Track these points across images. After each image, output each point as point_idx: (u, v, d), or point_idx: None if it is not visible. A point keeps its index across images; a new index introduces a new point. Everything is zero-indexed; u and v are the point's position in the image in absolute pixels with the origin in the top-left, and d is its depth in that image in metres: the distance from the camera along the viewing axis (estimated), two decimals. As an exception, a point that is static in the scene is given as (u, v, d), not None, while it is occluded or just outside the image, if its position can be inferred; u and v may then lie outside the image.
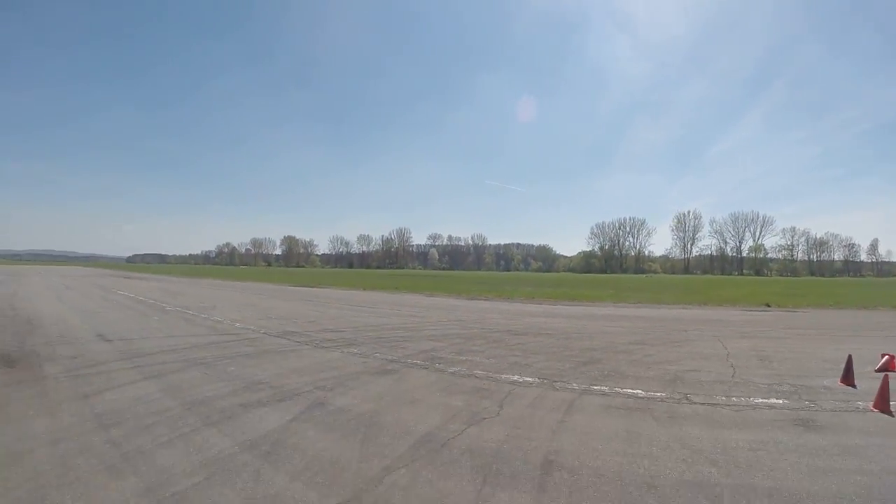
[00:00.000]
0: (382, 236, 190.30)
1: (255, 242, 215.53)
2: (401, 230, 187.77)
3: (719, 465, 3.49)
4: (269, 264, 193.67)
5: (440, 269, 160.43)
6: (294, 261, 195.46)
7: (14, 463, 3.45)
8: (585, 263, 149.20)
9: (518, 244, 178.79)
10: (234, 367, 6.85)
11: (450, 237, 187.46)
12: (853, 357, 6.24)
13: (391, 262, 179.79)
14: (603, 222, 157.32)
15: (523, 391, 5.62)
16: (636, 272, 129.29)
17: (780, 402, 5.18)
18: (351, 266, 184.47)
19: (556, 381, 6.07)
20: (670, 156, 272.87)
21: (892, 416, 4.78)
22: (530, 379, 6.20)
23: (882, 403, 4.92)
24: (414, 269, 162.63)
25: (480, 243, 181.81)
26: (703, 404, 5.10)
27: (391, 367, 6.91)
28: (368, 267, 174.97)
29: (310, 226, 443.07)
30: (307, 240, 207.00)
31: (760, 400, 5.23)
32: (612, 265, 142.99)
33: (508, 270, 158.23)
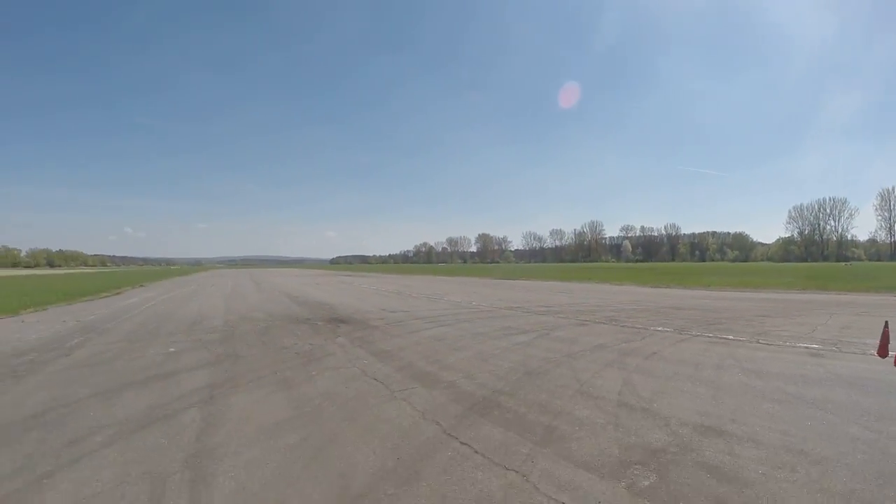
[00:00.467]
0: (575, 230, 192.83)
1: (451, 241, 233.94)
2: (593, 223, 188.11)
3: (740, 362, 7.45)
4: (465, 261, 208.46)
5: (633, 262, 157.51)
6: (489, 257, 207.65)
7: (401, 351, 8.94)
8: (784, 251, 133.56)
9: (713, 232, 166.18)
10: (487, 321, 12.32)
11: (642, 228, 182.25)
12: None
13: (584, 256, 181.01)
14: (801, 205, 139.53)
15: (660, 333, 9.88)
16: (838, 259, 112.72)
17: (815, 346, 8.45)
18: (544, 261, 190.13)
19: (682, 331, 10.21)
20: (871, 124, 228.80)
21: (885, 357, 6.15)
22: (668, 329, 10.47)
23: (882, 350, 6.20)
24: (607, 261, 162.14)
25: (674, 233, 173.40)
26: (762, 343, 8.67)
27: (585, 322, 11.71)
28: (562, 261, 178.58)
29: (502, 223, 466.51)
30: (500, 237, 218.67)
31: (802, 345, 8.61)
32: (813, 252, 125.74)
33: (703, 260, 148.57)
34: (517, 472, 3.57)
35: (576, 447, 4.04)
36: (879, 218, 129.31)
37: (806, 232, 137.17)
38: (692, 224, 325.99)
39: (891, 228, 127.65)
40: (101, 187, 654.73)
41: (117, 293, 25.68)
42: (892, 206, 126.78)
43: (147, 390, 5.96)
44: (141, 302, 19.67)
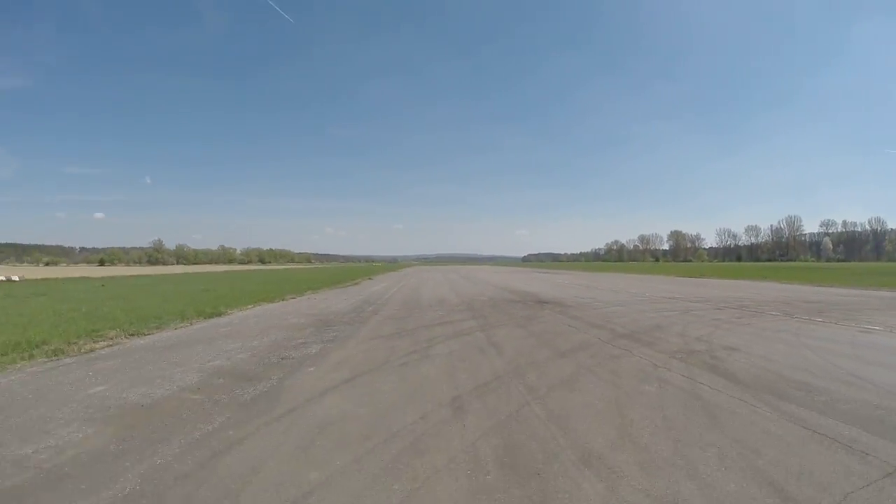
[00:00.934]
0: (771, 226, 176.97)
1: (643, 239, 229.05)
2: (790, 218, 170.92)
3: (801, 331, 11.24)
4: (657, 260, 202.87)
5: (835, 261, 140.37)
6: (681, 255, 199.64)
7: (586, 316, 14.30)
8: None
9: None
10: (649, 304, 17.05)
11: (844, 223, 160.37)
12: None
13: (781, 254, 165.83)
14: None
15: (770, 316, 13.68)
16: None
17: (876, 328, 11.68)
18: (739, 259, 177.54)
19: (789, 315, 13.91)
20: None
21: None
22: (778, 314, 14.21)
23: None
24: (805, 260, 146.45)
25: (879, 228, 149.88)
26: (835, 324, 12.14)
27: (721, 308, 15.80)
28: (757, 259, 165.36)
29: (695, 217, 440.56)
30: (693, 234, 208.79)
31: (867, 327, 11.99)
32: None
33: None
34: (629, 352, 8.81)
35: (658, 348, 9.13)
36: None
37: None
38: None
39: None
40: (305, 193, 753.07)
41: (355, 283, 34.70)
42: None
43: (447, 327, 12.23)
44: (382, 290, 27.59)
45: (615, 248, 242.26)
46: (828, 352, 8.62)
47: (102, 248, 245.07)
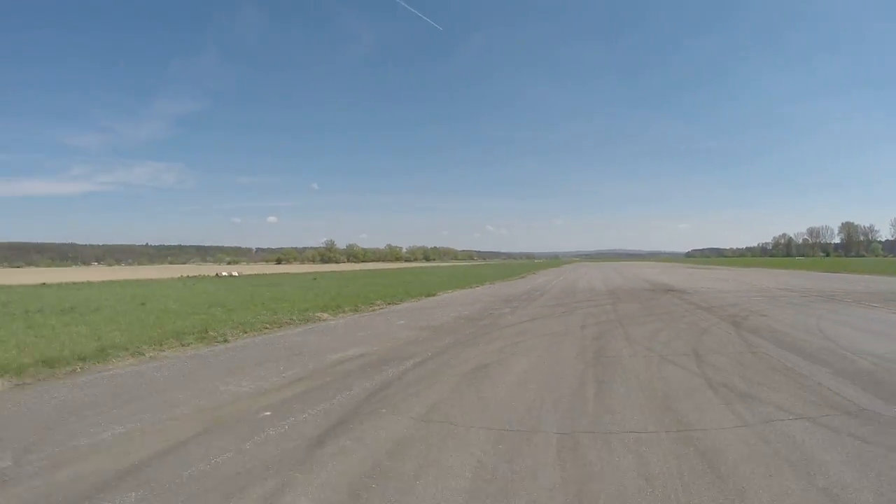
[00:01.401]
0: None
1: (812, 231, 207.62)
2: None
3: (854, 311, 15.64)
4: (828, 254, 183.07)
5: None
6: (853, 249, 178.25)
7: (695, 298, 19.52)
8: None
9: None
10: (752, 293, 21.59)
11: None
12: None
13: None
14: None
15: (842, 302, 17.87)
16: None
17: None
18: None
19: (859, 302, 17.83)
20: None
21: None
22: (850, 300, 18.20)
23: None
24: None
25: None
26: (881, 309, 16.33)
27: (807, 296, 19.87)
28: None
29: (871, 205, 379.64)
30: (867, 226, 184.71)
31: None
32: None
33: None
34: (695, 314, 14.49)
35: (717, 314, 14.77)
36: None
37: None
38: None
39: None
40: (465, 192, 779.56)
41: (521, 277, 41.88)
42: None
43: (590, 302, 18.69)
44: (544, 282, 34.44)
45: (783, 241, 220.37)
46: (821, 318, 13.51)
47: (277, 248, 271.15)
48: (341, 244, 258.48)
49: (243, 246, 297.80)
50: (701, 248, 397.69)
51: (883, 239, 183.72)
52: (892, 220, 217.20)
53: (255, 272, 68.95)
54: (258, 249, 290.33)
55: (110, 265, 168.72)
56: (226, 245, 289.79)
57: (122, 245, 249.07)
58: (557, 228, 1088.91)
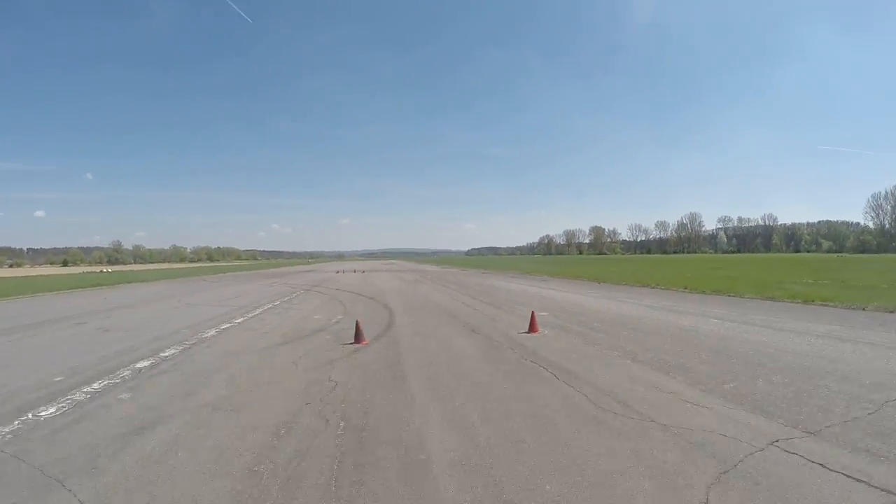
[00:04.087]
0: (677, 221, 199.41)
1: (568, 233, 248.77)
2: (692, 215, 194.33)
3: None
4: (581, 252, 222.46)
5: (728, 252, 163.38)
6: (598, 249, 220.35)
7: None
8: (859, 242, 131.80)
9: (809, 223, 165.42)
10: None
11: (739, 219, 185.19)
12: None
13: (685, 247, 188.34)
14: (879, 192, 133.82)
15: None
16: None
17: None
18: (649, 252, 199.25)
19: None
20: None
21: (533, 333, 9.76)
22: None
23: (532, 328, 9.98)
24: (704, 252, 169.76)
25: (769, 223, 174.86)
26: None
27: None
28: (664, 252, 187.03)
29: (642, 209, 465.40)
30: (611, 229, 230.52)
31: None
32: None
33: (798, 251, 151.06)
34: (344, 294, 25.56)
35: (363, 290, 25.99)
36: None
37: (887, 225, 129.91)
38: (841, 210, 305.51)
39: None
40: (249, 189, 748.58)
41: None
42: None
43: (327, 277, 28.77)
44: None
45: (545, 241, 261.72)
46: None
47: (51, 248, 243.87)
48: (118, 243, 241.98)
49: (11, 246, 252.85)
50: (479, 247, 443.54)
51: (622, 239, 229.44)
52: (628, 224, 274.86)
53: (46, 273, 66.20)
54: (29, 250, 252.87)
55: None
56: None
57: None
58: (345, 227, 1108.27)
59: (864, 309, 12.33)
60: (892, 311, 11.64)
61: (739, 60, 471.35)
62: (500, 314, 13.31)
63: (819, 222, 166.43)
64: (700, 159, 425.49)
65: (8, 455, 4.16)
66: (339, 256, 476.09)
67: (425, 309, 15.00)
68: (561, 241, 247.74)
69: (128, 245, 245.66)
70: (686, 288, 19.77)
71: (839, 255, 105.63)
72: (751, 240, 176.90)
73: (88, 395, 5.93)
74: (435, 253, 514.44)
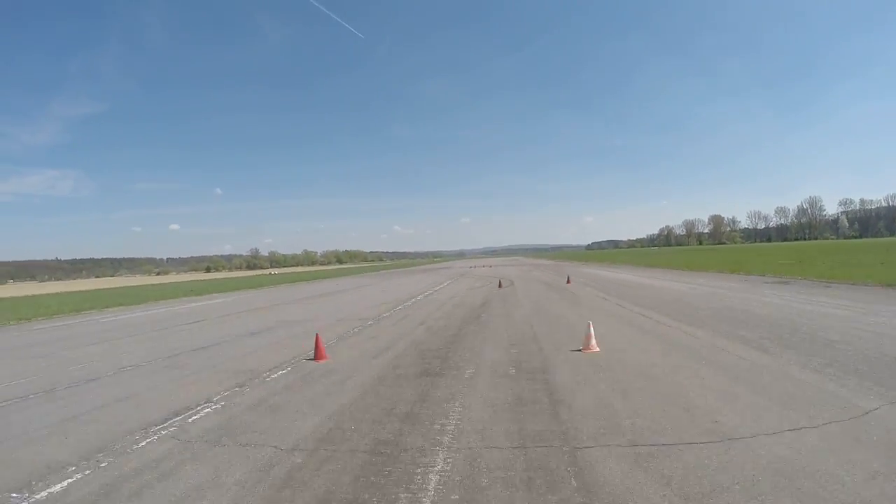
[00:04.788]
0: (797, 207, 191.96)
1: (687, 223, 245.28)
2: (812, 199, 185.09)
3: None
4: (701, 243, 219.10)
5: (851, 238, 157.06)
6: (718, 238, 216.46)
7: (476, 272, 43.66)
8: None
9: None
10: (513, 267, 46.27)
11: (861, 201, 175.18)
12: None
13: (807, 233, 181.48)
14: None
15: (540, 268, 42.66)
16: None
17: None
18: (769, 239, 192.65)
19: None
20: None
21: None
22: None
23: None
24: (826, 238, 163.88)
25: (894, 204, 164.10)
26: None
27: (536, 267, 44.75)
28: (785, 239, 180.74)
29: (761, 197, 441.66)
30: (730, 217, 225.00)
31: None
32: None
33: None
34: (467, 277, 38.31)
35: (475, 275, 38.69)
36: None
37: None
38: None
39: None
40: (370, 194, 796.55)
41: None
42: None
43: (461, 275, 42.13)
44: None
45: (664, 233, 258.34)
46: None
47: (189, 258, 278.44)
48: (247, 251, 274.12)
49: (151, 256, 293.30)
50: (600, 240, 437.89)
51: (741, 228, 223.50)
52: (748, 212, 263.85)
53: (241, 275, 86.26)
54: (169, 259, 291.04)
55: (39, 280, 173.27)
56: (137, 256, 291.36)
57: (31, 261, 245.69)
58: (465, 226, 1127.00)
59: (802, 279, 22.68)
60: None
61: (856, 25, 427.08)
62: (562, 281, 25.44)
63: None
64: (820, 137, 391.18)
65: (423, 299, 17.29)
66: (461, 255, 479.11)
67: (528, 278, 27.38)
68: (681, 231, 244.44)
69: (263, 252, 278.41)
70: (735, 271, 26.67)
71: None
72: (873, 223, 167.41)
73: (410, 303, 18.92)
74: (555, 248, 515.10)
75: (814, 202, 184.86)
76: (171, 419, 5.48)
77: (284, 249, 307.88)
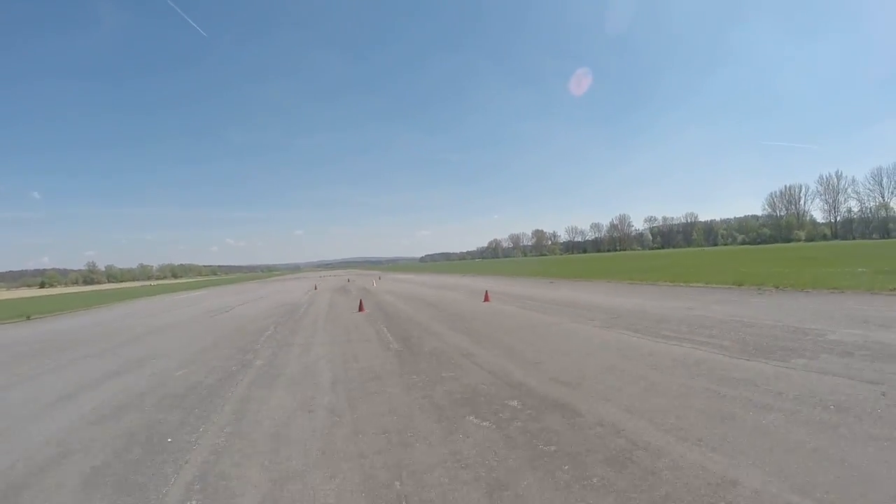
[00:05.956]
0: (610, 222, 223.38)
1: (513, 237, 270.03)
2: (622, 216, 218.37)
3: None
4: (525, 255, 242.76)
5: (652, 249, 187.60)
6: (540, 251, 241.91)
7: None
8: (757, 234, 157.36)
9: (723, 219, 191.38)
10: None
11: (664, 218, 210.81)
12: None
13: (617, 246, 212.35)
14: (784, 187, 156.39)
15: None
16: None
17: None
18: (584, 251, 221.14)
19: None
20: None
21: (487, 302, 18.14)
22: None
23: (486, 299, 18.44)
24: (633, 250, 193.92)
25: (690, 220, 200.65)
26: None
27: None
28: (599, 251, 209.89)
29: (586, 210, 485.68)
30: (552, 232, 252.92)
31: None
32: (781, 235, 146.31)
33: (715, 245, 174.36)
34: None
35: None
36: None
37: (779, 213, 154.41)
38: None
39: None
40: (201, 205, 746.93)
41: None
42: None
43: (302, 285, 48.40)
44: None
45: (492, 246, 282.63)
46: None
47: (5, 272, 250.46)
48: (67, 264, 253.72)
49: None
50: (433, 253, 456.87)
51: (561, 241, 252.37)
52: (566, 227, 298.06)
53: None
54: None
55: None
56: None
57: None
58: (299, 239, 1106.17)
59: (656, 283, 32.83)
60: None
61: (679, 63, 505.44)
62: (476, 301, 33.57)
63: (733, 218, 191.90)
64: (639, 162, 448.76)
65: (230, 317, 24.27)
66: (296, 268, 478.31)
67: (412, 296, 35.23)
68: (507, 244, 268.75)
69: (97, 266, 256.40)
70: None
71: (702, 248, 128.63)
72: (673, 236, 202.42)
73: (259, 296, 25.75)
74: (391, 261, 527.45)
75: (623, 219, 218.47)
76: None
77: (108, 262, 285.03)
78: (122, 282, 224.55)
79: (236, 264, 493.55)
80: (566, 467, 3.75)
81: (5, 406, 7.05)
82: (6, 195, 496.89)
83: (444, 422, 5.02)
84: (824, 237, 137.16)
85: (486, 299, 18.01)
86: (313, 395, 6.44)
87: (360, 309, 17.20)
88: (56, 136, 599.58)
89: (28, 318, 24.47)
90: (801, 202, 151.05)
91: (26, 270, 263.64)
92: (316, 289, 36.15)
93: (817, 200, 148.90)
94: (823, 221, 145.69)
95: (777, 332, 8.36)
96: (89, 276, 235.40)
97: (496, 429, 4.72)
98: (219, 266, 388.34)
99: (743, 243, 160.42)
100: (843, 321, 8.93)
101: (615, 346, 8.17)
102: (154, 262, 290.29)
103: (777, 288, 15.10)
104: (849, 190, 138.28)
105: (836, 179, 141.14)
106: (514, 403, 5.43)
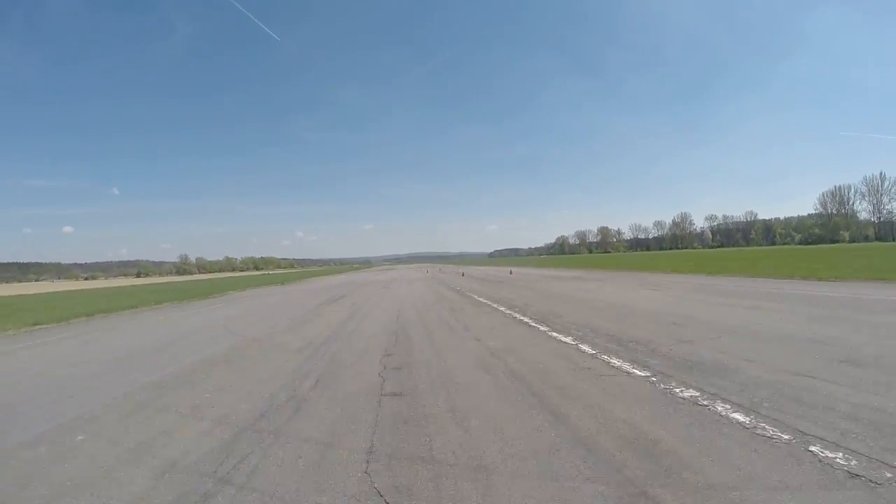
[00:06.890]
0: (673, 220, 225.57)
1: (579, 234, 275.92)
2: (683, 214, 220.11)
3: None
4: (591, 251, 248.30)
5: (711, 248, 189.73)
6: (605, 248, 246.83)
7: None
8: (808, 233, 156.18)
9: (785, 217, 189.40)
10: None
11: (724, 217, 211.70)
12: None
13: (679, 244, 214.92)
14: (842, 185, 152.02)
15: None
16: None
17: None
18: (648, 249, 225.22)
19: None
20: None
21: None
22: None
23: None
24: (694, 248, 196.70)
25: (749, 219, 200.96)
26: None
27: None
28: (661, 248, 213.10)
29: (633, 212, 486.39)
30: (616, 229, 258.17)
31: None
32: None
33: (773, 244, 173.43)
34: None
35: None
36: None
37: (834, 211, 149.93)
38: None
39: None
40: (273, 197, 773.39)
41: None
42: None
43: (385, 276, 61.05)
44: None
45: (560, 242, 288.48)
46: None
47: (93, 263, 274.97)
48: (143, 256, 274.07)
49: (40, 261, 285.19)
50: (501, 248, 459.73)
51: (626, 238, 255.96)
52: (629, 224, 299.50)
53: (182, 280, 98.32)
54: (74, 265, 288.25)
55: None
56: (21, 260, 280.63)
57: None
58: (369, 233, 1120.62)
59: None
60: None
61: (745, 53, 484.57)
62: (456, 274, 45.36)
63: (795, 217, 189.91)
64: (708, 157, 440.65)
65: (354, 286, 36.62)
66: (367, 262, 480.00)
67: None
68: (574, 241, 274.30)
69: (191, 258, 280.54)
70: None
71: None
72: (733, 235, 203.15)
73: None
74: (459, 255, 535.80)
75: (684, 217, 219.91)
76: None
77: (183, 253, 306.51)
78: (210, 272, 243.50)
79: (308, 258, 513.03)
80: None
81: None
82: (92, 191, 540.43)
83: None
84: (866, 238, 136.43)
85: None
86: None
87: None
88: (136, 134, 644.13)
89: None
90: (850, 202, 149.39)
91: (111, 262, 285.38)
92: (427, 272, 52.05)
93: (864, 202, 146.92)
94: (870, 221, 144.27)
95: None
96: (182, 268, 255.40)
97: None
98: (292, 259, 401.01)
99: (800, 243, 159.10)
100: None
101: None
102: (231, 254, 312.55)
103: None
104: (892, 190, 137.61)
105: (879, 180, 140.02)
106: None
